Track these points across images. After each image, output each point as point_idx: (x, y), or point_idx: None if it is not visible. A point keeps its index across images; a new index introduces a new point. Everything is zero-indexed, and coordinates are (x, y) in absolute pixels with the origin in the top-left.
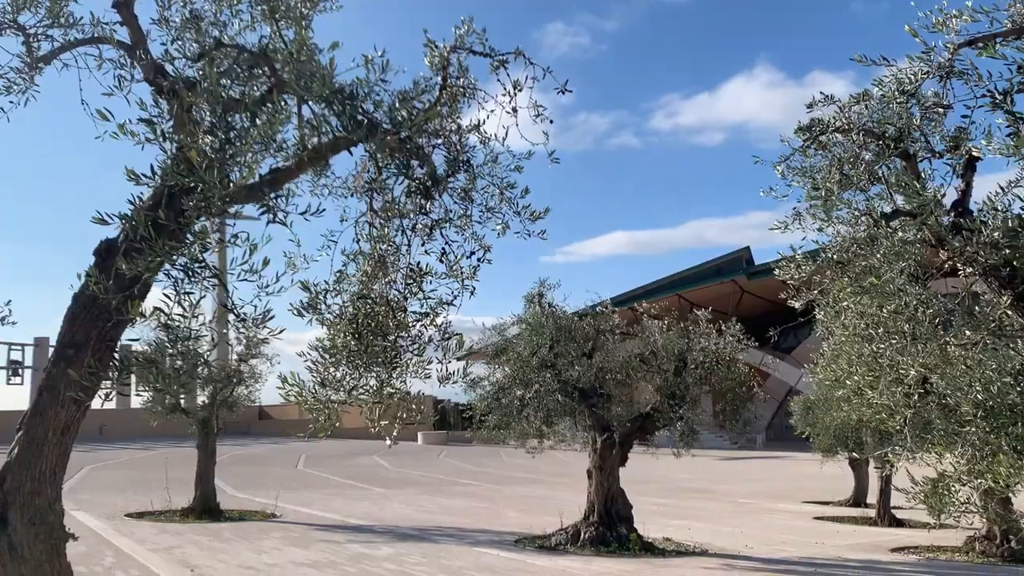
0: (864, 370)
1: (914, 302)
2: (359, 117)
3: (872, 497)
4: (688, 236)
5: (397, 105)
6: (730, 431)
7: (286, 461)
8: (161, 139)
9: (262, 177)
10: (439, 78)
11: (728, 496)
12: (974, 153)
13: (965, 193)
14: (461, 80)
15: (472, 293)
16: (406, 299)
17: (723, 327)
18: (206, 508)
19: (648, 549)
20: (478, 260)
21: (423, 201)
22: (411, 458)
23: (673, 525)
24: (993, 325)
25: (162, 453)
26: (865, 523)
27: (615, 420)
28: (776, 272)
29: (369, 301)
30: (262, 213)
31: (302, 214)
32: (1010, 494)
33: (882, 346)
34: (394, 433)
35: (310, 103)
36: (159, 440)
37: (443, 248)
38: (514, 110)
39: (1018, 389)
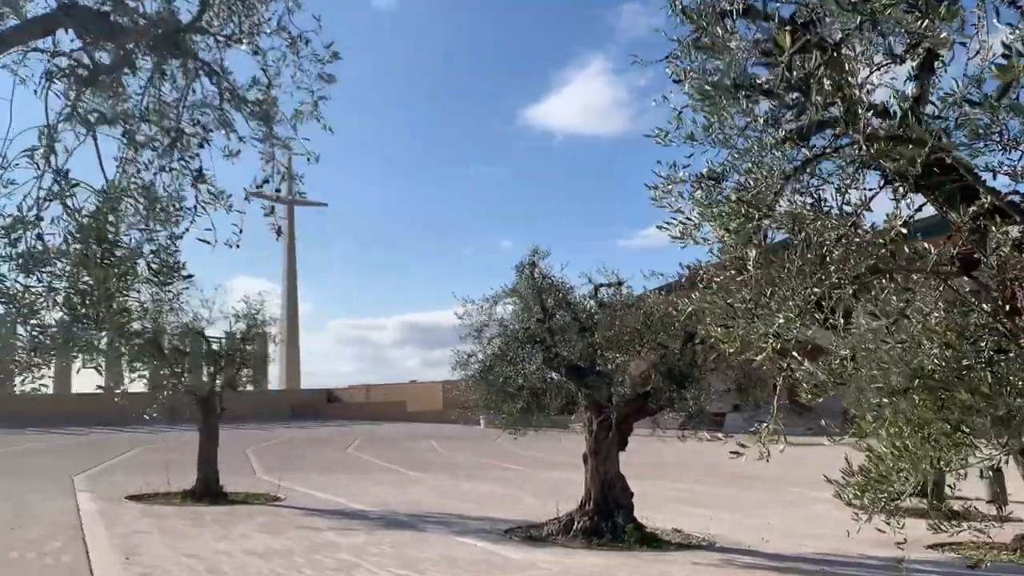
0: (721, 322)
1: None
2: None
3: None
4: None
5: None
6: (743, 413)
7: (339, 444)
8: None
9: None
10: None
11: (775, 483)
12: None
13: (918, 100)
14: None
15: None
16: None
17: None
18: (207, 491)
19: (646, 541)
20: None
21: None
22: (467, 442)
23: (695, 514)
24: (873, 262)
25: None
26: (916, 515)
27: (617, 399)
28: (652, 196)
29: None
30: None
31: None
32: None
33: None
34: (149, 410)
35: None
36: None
37: (199, 169)
38: None
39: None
